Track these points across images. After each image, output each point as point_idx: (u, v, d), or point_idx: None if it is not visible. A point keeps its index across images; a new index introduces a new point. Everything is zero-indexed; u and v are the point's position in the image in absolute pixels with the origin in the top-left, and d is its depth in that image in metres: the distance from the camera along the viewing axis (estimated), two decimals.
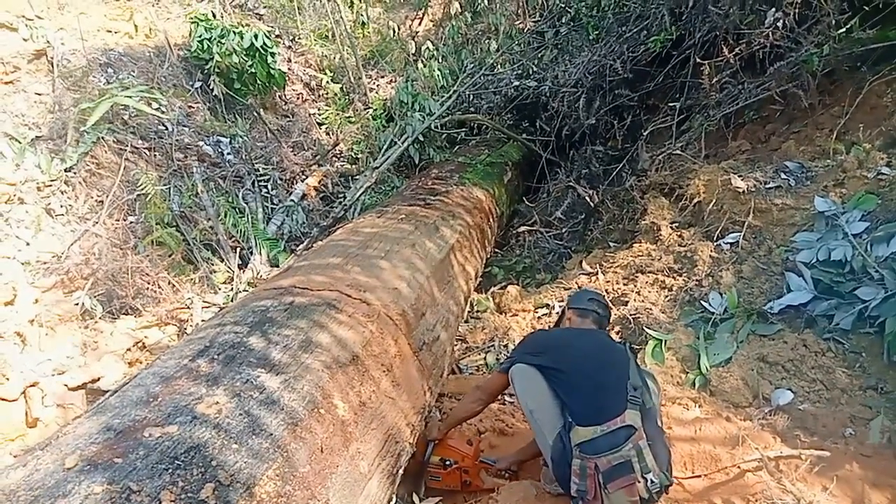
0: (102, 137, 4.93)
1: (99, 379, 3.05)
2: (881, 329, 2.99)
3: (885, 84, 4.30)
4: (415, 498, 2.72)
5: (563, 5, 7.04)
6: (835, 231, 3.49)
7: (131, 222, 4.69)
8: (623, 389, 2.33)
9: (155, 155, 5.38)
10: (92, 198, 4.64)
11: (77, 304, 3.81)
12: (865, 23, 4.38)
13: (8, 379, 2.84)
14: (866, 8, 4.34)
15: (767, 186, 4.08)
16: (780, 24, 4.39)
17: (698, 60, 4.97)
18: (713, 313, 3.53)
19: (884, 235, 3.27)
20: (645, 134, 5.45)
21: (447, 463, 2.71)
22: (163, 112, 5.65)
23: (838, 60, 4.45)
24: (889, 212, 3.44)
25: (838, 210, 3.56)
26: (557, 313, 3.98)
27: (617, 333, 3.72)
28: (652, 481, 2.14)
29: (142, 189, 4.75)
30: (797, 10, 4.33)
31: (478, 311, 4.38)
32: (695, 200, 4.35)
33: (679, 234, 4.26)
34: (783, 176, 4.14)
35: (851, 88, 4.43)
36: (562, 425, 2.37)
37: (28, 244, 4.08)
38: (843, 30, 4.30)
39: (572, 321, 2.78)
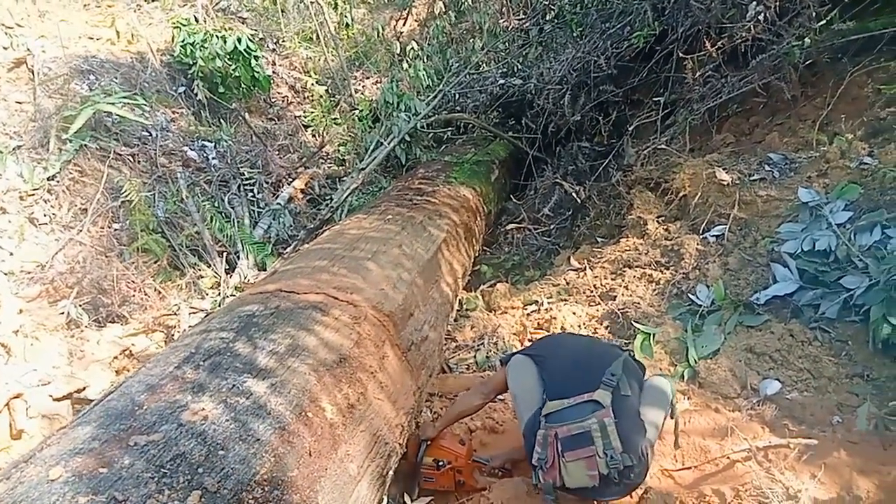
0: (85, 145, 4.89)
1: (85, 388, 3.02)
2: (866, 317, 3.02)
3: (866, 74, 4.34)
4: (406, 499, 2.71)
5: (546, 3, 7.03)
6: (819, 221, 3.52)
7: (116, 229, 4.65)
8: (600, 372, 2.37)
9: (139, 161, 5.34)
10: (76, 206, 4.60)
11: (62, 314, 3.78)
12: (845, 14, 4.42)
13: None
14: (846, 0, 4.38)
15: (752, 178, 4.11)
16: (761, 17, 4.42)
17: (681, 55, 4.99)
18: (700, 306, 3.55)
19: (867, 224, 3.30)
20: (630, 129, 5.46)
21: (440, 464, 2.70)
22: (146, 118, 5.62)
23: (819, 52, 4.49)
24: (872, 201, 3.47)
25: (822, 200, 3.59)
26: (546, 309, 4.03)
27: (606, 328, 3.73)
28: (613, 458, 2.15)
29: (126, 196, 4.71)
30: (778, 4, 4.37)
31: (467, 310, 4.37)
32: (680, 194, 4.37)
33: (665, 227, 4.28)
34: (767, 168, 4.17)
35: (833, 80, 4.47)
36: (539, 405, 2.40)
37: (11, 254, 4.05)
38: (824, 22, 4.33)
39: None
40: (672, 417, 2.56)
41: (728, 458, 2.62)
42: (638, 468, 2.22)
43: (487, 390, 2.79)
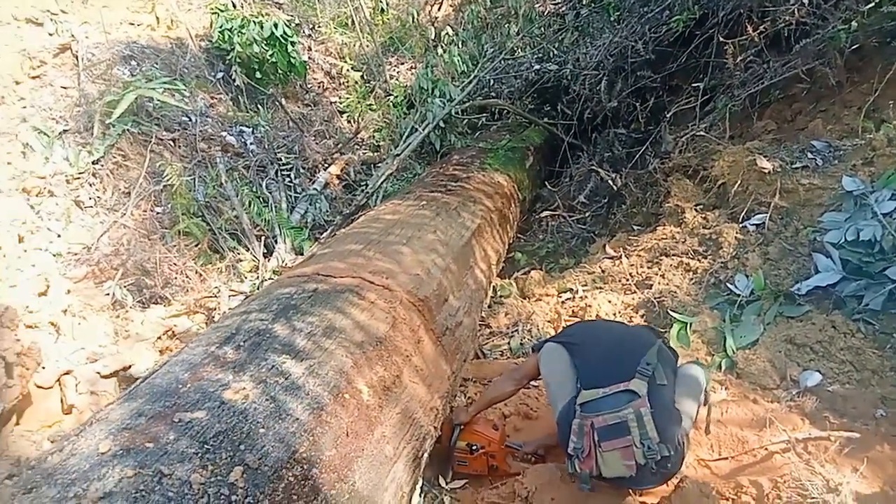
0: (128, 129, 5.00)
1: (130, 367, 3.11)
2: None
3: None
4: (441, 481, 2.75)
5: None
6: (863, 211, 3.42)
7: (158, 213, 4.76)
8: (635, 362, 2.36)
9: (179, 146, 5.45)
10: (119, 189, 4.72)
11: (108, 294, 3.90)
12: None
13: (43, 367, 2.92)
14: None
15: (794, 166, 4.01)
16: (805, 0, 4.29)
17: (722, 40, 4.88)
18: (739, 295, 3.50)
19: None
20: (668, 115, 5.38)
21: (474, 448, 2.73)
22: (186, 103, 5.72)
23: (867, 36, 4.32)
24: None
25: (867, 189, 3.49)
26: (581, 297, 4.01)
27: (642, 317, 3.70)
28: (650, 448, 2.14)
29: (167, 180, 4.81)
30: None
31: (501, 297, 4.38)
32: (719, 182, 4.29)
33: (703, 216, 4.21)
34: (810, 155, 4.06)
35: (881, 65, 4.31)
36: (573, 394, 2.39)
37: (59, 236, 4.17)
38: (872, 4, 4.18)
39: None
40: (705, 405, 2.54)
41: (766, 449, 2.59)
42: (674, 458, 2.22)
43: (519, 376, 2.80)
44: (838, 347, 2.99)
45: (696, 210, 4.30)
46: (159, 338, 3.49)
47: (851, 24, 4.15)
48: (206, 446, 1.56)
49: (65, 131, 4.81)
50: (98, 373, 3.01)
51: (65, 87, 5.20)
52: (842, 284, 3.24)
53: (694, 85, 5.27)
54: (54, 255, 4.01)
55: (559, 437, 2.42)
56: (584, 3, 6.89)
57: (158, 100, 5.29)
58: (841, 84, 4.46)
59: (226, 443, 1.59)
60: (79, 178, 4.57)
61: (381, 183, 5.79)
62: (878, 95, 4.19)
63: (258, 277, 4.44)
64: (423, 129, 6.19)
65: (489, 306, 4.18)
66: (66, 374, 2.97)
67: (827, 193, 3.72)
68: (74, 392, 2.94)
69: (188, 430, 1.59)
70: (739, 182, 4.11)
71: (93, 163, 4.68)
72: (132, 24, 6.80)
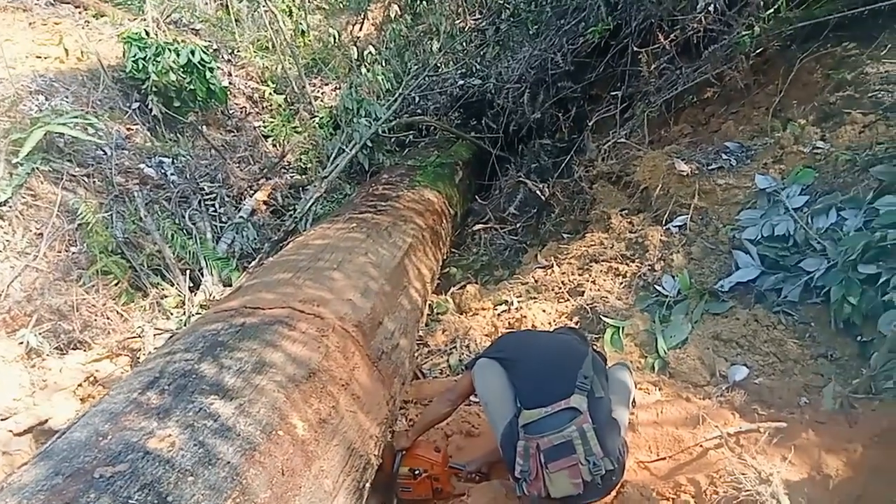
0: (37, 168, 4.76)
1: (48, 420, 2.94)
2: (827, 298, 3.08)
3: (815, 61, 4.45)
4: None
5: (501, 2, 7.08)
6: (777, 207, 3.59)
7: (74, 253, 4.53)
8: (572, 377, 2.36)
9: (94, 181, 5.21)
10: (30, 231, 4.48)
11: (22, 343, 3.67)
12: (791, 3, 4.53)
13: None
14: None
15: (710, 168, 4.18)
16: (711, 8, 4.52)
17: (636, 49, 5.07)
18: (667, 296, 3.60)
19: (823, 208, 3.38)
20: (590, 124, 5.53)
21: (416, 472, 2.68)
22: (100, 137, 5.49)
23: (769, 41, 4.59)
24: (826, 184, 3.56)
25: (778, 186, 3.67)
26: (517, 308, 4.04)
27: (575, 324, 3.75)
28: (595, 464, 2.16)
29: (82, 218, 4.60)
30: None
31: (437, 314, 4.36)
32: (642, 186, 4.43)
33: (629, 220, 4.33)
34: (724, 156, 4.25)
35: (783, 67, 4.57)
36: (513, 413, 2.38)
37: None
38: (772, 10, 4.43)
39: None
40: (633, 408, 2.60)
41: (701, 446, 2.65)
42: (617, 469, 2.25)
43: (454, 397, 2.76)
44: (762, 340, 3.11)
45: (621, 215, 4.41)
46: (80, 385, 3.32)
47: (754, 29, 4.38)
48: (130, 502, 1.48)
49: None
50: (10, 430, 2.82)
51: None
52: (761, 279, 3.38)
53: (613, 93, 5.44)
54: None
55: (504, 458, 2.40)
56: (503, 17, 7.02)
57: (69, 135, 5.06)
58: (749, 86, 4.70)
59: (152, 496, 1.51)
60: None
61: (311, 206, 5.71)
62: (783, 96, 4.43)
63: (185, 313, 4.29)
64: (351, 150, 6.15)
65: (426, 324, 4.16)
66: None
67: (742, 192, 3.89)
68: None
69: (110, 487, 1.50)
70: (660, 186, 4.25)
71: None
72: (39, 56, 6.53)
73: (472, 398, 3.07)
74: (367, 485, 2.38)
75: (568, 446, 2.20)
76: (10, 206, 4.48)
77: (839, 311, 2.98)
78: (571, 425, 2.22)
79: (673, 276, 3.67)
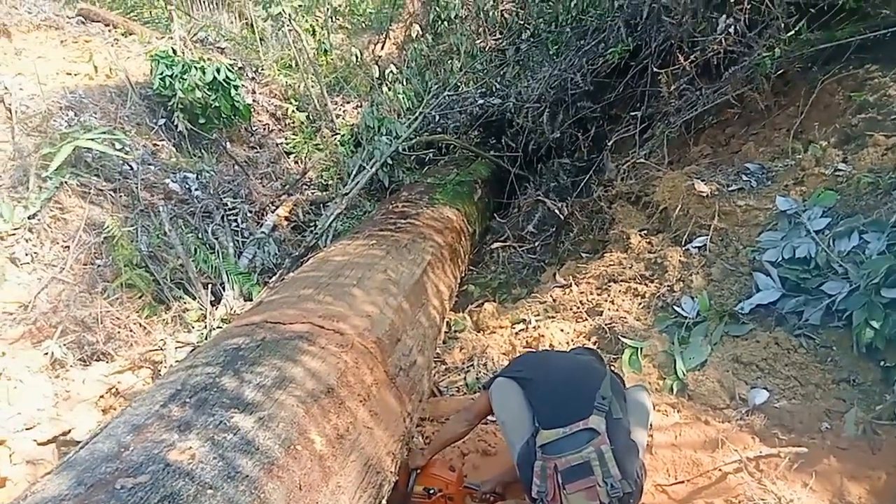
0: (65, 182, 4.87)
1: (70, 431, 2.98)
2: (849, 322, 3.05)
3: (836, 82, 4.43)
4: None
5: (522, 22, 7.14)
6: (798, 229, 3.56)
7: (99, 266, 4.61)
8: (591, 397, 2.35)
9: (120, 196, 5.32)
10: (58, 244, 4.57)
11: (47, 354, 3.73)
12: (812, 25, 4.52)
13: None
14: (812, 10, 4.49)
15: (730, 189, 4.16)
16: (731, 30, 4.52)
17: (656, 69, 5.08)
18: (686, 317, 3.57)
19: (845, 230, 3.34)
20: (609, 144, 5.52)
21: (431, 492, 2.68)
22: (126, 152, 5.61)
23: (790, 62, 4.57)
24: (848, 207, 3.53)
25: (800, 208, 3.64)
26: (534, 327, 4.04)
27: (594, 344, 3.74)
28: (613, 486, 2.14)
29: (108, 231, 4.68)
30: (747, 16, 4.47)
31: (455, 331, 4.37)
32: (661, 207, 4.42)
33: (648, 241, 4.32)
34: (745, 178, 4.23)
35: (804, 88, 4.56)
36: (530, 433, 2.38)
37: None
38: (792, 32, 4.43)
39: None
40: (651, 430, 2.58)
41: (720, 470, 2.62)
42: (635, 492, 2.23)
43: (471, 416, 2.77)
44: (783, 364, 3.08)
45: (640, 235, 4.40)
46: (102, 396, 3.37)
47: (775, 51, 4.38)
48: None
49: None
50: (35, 440, 2.87)
51: None
52: (782, 301, 3.35)
53: (632, 113, 5.44)
54: None
55: (521, 479, 2.39)
56: (523, 38, 7.08)
57: (97, 150, 5.17)
58: (769, 108, 4.69)
59: None
60: (14, 234, 4.41)
61: (331, 222, 5.76)
62: (804, 117, 4.42)
63: (206, 326, 4.33)
64: (371, 167, 6.21)
65: (444, 342, 4.17)
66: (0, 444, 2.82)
67: (763, 214, 3.87)
68: (9, 463, 2.79)
69: (131, 498, 1.52)
70: (680, 206, 4.23)
71: (28, 217, 4.53)
72: (69, 73, 6.69)
73: (488, 417, 3.08)
74: (384, 501, 2.38)
75: (586, 468, 2.19)
76: (39, 220, 4.59)
77: (861, 336, 2.94)
78: (589, 446, 2.21)
79: (692, 298, 3.65)
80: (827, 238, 3.39)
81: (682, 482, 2.66)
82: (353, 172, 6.56)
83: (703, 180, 4.26)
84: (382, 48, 10.61)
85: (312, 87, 8.77)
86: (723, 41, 4.55)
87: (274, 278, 5.12)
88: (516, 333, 4.11)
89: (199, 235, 5.46)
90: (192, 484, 1.61)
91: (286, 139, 8.24)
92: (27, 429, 2.95)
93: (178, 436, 1.75)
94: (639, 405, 2.56)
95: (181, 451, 1.70)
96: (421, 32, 8.17)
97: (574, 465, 2.20)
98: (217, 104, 6.80)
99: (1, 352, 3.46)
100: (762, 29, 4.59)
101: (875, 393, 2.84)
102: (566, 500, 2.20)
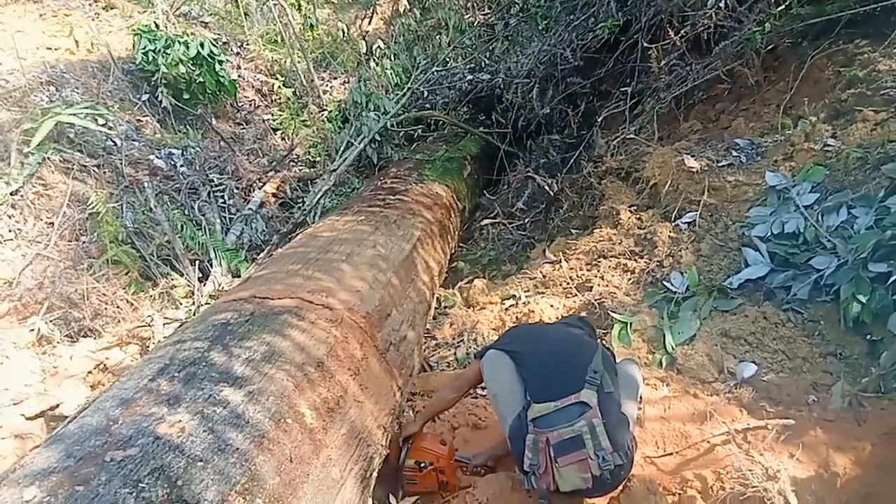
0: (48, 158, 4.78)
1: (59, 405, 2.96)
2: (836, 296, 3.07)
3: (826, 58, 4.42)
4: (392, 500, 2.70)
5: None
6: (787, 204, 3.57)
7: (84, 242, 4.56)
8: (583, 371, 2.35)
9: (104, 172, 5.23)
10: (41, 220, 4.50)
11: (33, 330, 3.69)
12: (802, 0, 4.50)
13: None
14: None
15: (720, 164, 4.16)
16: (721, 4, 4.50)
17: (646, 45, 5.05)
18: (675, 293, 3.59)
19: (833, 205, 3.36)
20: (599, 120, 5.52)
21: (422, 465, 2.69)
22: (110, 128, 5.51)
23: (780, 37, 4.56)
24: (837, 182, 3.54)
25: (789, 183, 3.65)
26: (524, 303, 4.04)
27: None
28: (604, 459, 2.16)
29: (92, 208, 4.62)
30: None
31: (445, 307, 4.37)
32: (651, 183, 4.42)
33: (638, 216, 4.32)
34: (734, 153, 4.23)
35: (794, 64, 4.55)
36: (522, 406, 2.39)
37: None
38: (783, 7, 4.41)
39: None
40: (641, 402, 2.61)
41: (708, 442, 2.64)
42: (626, 464, 2.25)
43: (461, 384, 2.78)
44: (770, 338, 3.10)
45: (630, 211, 4.40)
46: (90, 372, 3.34)
47: (765, 25, 4.36)
48: (140, 485, 1.49)
49: None
50: (23, 415, 2.85)
51: None
52: (771, 276, 3.37)
53: (622, 89, 5.42)
54: None
55: (512, 452, 2.40)
56: (512, 13, 7.01)
57: (80, 125, 5.08)
58: (759, 83, 4.68)
59: (162, 480, 1.53)
60: None
61: (319, 199, 5.72)
62: (794, 93, 4.41)
63: (194, 303, 4.30)
64: (359, 143, 6.16)
65: (434, 318, 4.17)
66: None
67: (752, 189, 3.88)
68: None
69: (121, 470, 1.51)
70: (670, 182, 4.23)
71: (11, 194, 4.45)
72: (49, 48, 6.54)
73: (478, 391, 3.09)
74: (375, 474, 2.39)
75: (577, 441, 2.20)
76: (22, 196, 4.51)
77: (849, 310, 2.96)
78: (581, 420, 2.22)
79: (681, 273, 3.66)
80: (815, 213, 3.41)
81: (671, 454, 2.69)
82: (341, 149, 6.51)
83: (692, 156, 4.25)
84: (370, 23, 10.48)
85: (299, 62, 8.64)
86: (713, 16, 4.53)
87: (262, 255, 5.08)
88: (506, 309, 4.12)
89: (186, 212, 5.40)
90: (183, 457, 1.60)
91: (272, 115, 8.15)
92: (14, 404, 2.92)
93: (168, 409, 1.75)
94: (629, 378, 2.57)
95: (171, 425, 1.69)
96: (409, 7, 8.07)
97: (566, 438, 2.21)
98: (201, 79, 6.68)
99: None
100: (752, 3, 4.58)
101: (861, 366, 2.86)
102: (558, 473, 2.21)
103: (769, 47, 4.54)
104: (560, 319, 3.50)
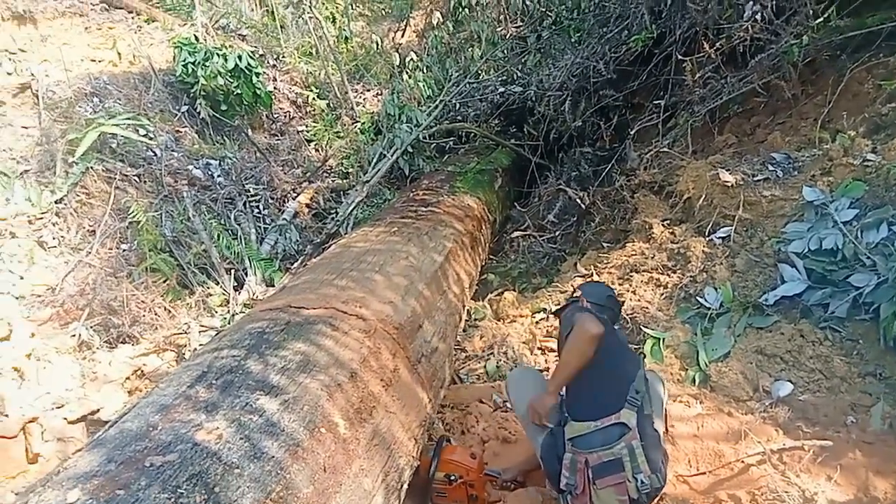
0: (91, 167, 4.94)
1: (99, 410, 3.04)
2: (876, 315, 3.00)
3: (866, 71, 4.33)
4: None
5: (543, 9, 7.09)
6: (825, 220, 3.50)
7: (124, 250, 4.69)
8: (624, 390, 2.32)
9: (145, 181, 5.39)
10: (84, 228, 4.65)
11: (74, 336, 3.81)
12: (842, 11, 4.42)
13: (7, 416, 2.84)
14: None
15: (755, 179, 4.10)
16: (758, 16, 4.44)
17: (680, 57, 5.01)
18: (709, 308, 3.54)
19: (873, 222, 3.28)
20: (632, 133, 5.47)
21: (452, 478, 2.69)
22: (150, 138, 5.67)
23: (818, 50, 4.48)
24: (877, 198, 3.45)
25: (827, 199, 3.58)
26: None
27: None
28: (642, 482, 2.14)
29: (133, 216, 4.75)
30: (774, 3, 4.39)
31: (475, 320, 4.37)
32: (684, 197, 4.37)
33: (671, 231, 4.27)
34: (770, 167, 4.16)
35: (833, 77, 4.46)
36: (557, 422, 2.36)
37: (21, 278, 4.08)
38: (821, 19, 4.34)
39: None
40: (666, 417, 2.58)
41: (742, 461, 2.60)
42: (662, 485, 2.24)
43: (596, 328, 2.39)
44: (807, 356, 3.04)
45: (663, 225, 4.36)
46: (128, 378, 3.42)
47: (803, 38, 4.29)
48: (179, 491, 1.52)
49: (26, 171, 4.74)
50: (65, 418, 2.93)
51: (25, 127, 5.14)
52: (807, 293, 3.31)
53: (655, 102, 5.38)
54: (17, 298, 3.92)
55: (546, 469, 2.38)
56: (544, 25, 7.02)
57: (122, 136, 5.23)
58: (796, 97, 4.60)
59: (199, 486, 1.55)
60: (41, 218, 4.49)
61: (352, 210, 5.78)
62: (832, 106, 4.33)
63: (229, 311, 4.39)
64: (392, 155, 6.22)
65: (464, 330, 4.17)
66: (31, 421, 2.88)
67: (789, 204, 3.81)
68: (40, 440, 2.85)
69: (160, 475, 1.54)
70: (704, 196, 4.18)
71: (56, 202, 4.61)
72: (93, 60, 6.76)
73: (507, 404, 3.08)
74: (405, 486, 2.40)
75: (617, 464, 2.18)
76: (66, 204, 4.66)
77: (889, 329, 2.89)
78: (621, 442, 2.21)
79: (716, 289, 3.61)
80: (854, 229, 3.33)
81: (704, 473, 2.65)
82: (374, 160, 6.57)
83: (727, 170, 4.20)
84: (403, 35, 10.59)
85: (333, 74, 8.77)
86: (749, 28, 4.47)
87: (296, 264, 5.16)
88: (536, 323, 4.11)
89: (222, 221, 5.52)
90: (220, 463, 1.63)
91: (307, 127, 8.27)
92: (56, 407, 3.01)
93: (206, 416, 1.78)
94: (656, 395, 2.54)
95: (208, 432, 1.72)
96: (441, 20, 8.14)
97: (606, 461, 2.20)
98: (239, 91, 6.83)
99: (30, 333, 3.52)
100: (790, 16, 4.50)
101: None
102: (596, 495, 2.20)
103: (807, 60, 4.47)
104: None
